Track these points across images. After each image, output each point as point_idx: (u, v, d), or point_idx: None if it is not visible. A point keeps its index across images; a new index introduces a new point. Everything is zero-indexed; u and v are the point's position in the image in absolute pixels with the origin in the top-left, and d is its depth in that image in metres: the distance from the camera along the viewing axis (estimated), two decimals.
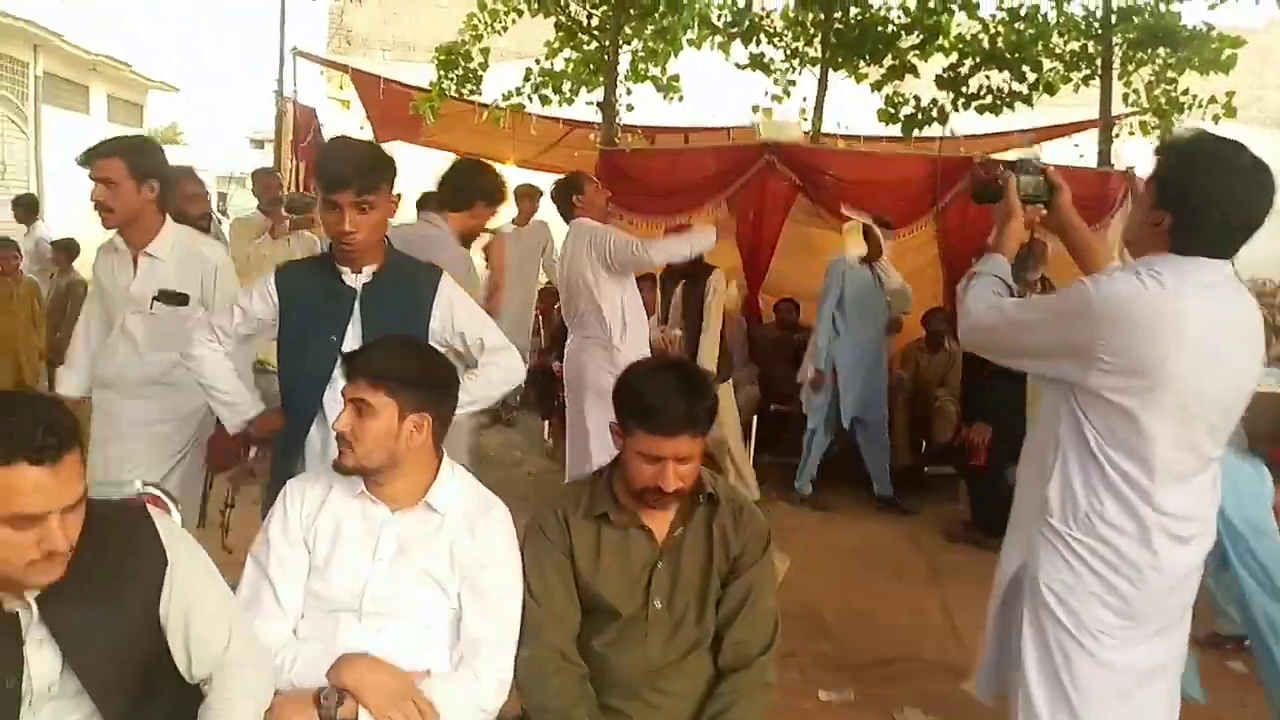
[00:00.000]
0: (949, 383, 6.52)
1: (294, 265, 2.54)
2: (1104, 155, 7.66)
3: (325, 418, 2.34)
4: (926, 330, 6.79)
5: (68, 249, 7.09)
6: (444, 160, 9.90)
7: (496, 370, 2.46)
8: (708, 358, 5.42)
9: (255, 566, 1.92)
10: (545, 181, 5.87)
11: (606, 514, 1.99)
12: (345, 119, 10.03)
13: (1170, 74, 7.70)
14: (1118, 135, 7.71)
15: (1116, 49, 7.47)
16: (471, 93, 7.31)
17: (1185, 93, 7.73)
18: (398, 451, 1.87)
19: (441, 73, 7.25)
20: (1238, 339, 1.88)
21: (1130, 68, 7.70)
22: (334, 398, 2.30)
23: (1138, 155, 8.17)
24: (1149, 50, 7.56)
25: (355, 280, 2.37)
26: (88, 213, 2.80)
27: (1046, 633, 1.94)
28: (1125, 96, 7.79)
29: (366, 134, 9.46)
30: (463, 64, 7.19)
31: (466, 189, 3.47)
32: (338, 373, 2.26)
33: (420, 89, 8.98)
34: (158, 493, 1.99)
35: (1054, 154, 8.52)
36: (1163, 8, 7.29)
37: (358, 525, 1.92)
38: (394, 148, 9.19)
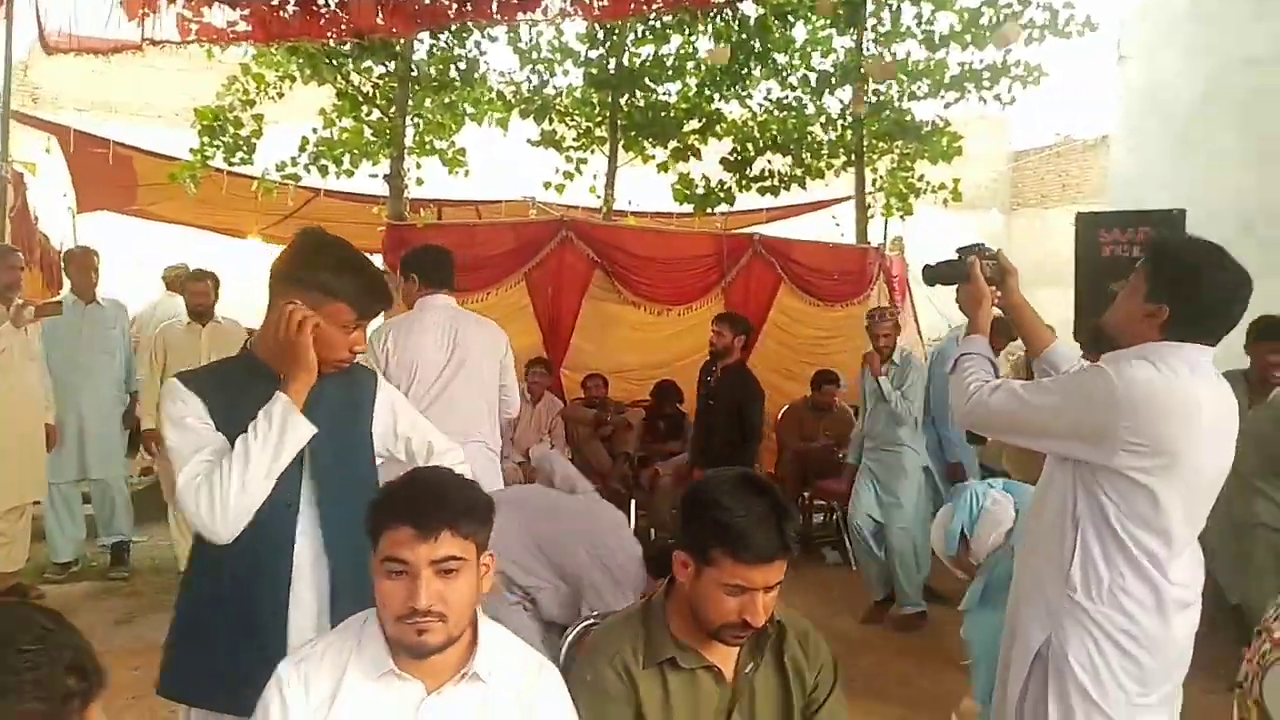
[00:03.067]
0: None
1: (207, 371, 1.99)
2: (861, 233, 8.36)
3: (296, 559, 1.86)
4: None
5: None
6: (160, 231, 8.93)
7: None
8: None
9: None
10: None
11: (674, 658, 1.71)
12: (39, 184, 8.74)
13: (907, 162, 8.61)
14: (871, 216, 8.45)
15: (866, 139, 8.24)
16: (243, 161, 6.57)
17: (920, 178, 8.67)
18: (474, 608, 1.50)
19: (205, 139, 6.45)
20: (1230, 420, 2.03)
21: (875, 156, 8.51)
22: (302, 529, 1.87)
23: (881, 233, 9.08)
24: (890, 141, 8.41)
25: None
26: None
27: (1073, 707, 1.98)
28: (874, 181, 8.59)
29: (66, 203, 8.31)
30: (232, 131, 6.45)
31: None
32: (304, 500, 1.85)
33: (151, 153, 8.01)
34: None
35: (818, 230, 9.16)
36: (902, 105, 8.14)
37: (388, 713, 1.50)
38: (101, 219, 8.20)
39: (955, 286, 2.36)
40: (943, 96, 7.85)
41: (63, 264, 5.58)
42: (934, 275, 2.44)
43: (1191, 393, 1.92)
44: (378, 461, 2.06)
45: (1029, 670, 2.07)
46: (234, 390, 1.88)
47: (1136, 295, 2.01)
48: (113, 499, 5.41)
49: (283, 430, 1.77)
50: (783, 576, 1.67)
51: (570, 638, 1.96)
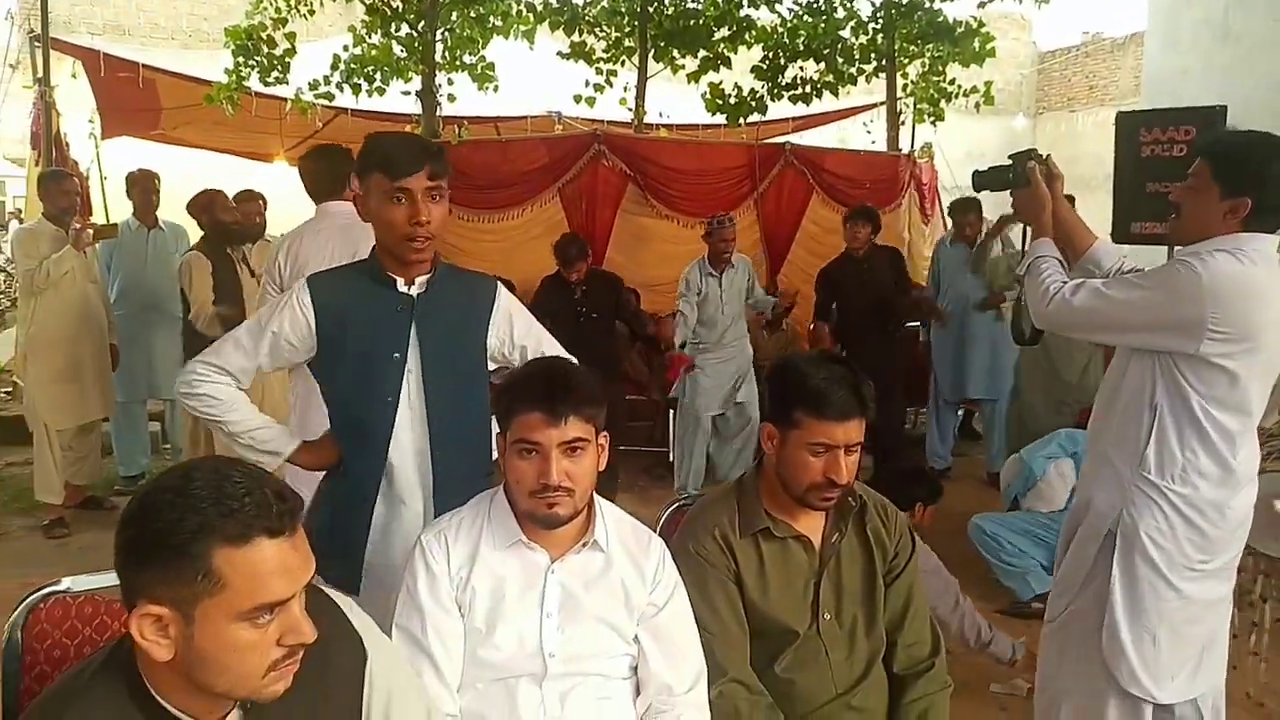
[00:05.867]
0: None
1: (330, 274, 2.13)
2: (892, 140, 8.31)
3: (401, 450, 2.02)
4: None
5: None
6: (182, 156, 8.92)
7: None
8: None
9: (408, 639, 1.61)
10: None
11: (768, 528, 1.86)
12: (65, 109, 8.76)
13: (939, 66, 8.49)
14: (903, 121, 8.39)
15: (897, 43, 8.12)
16: (278, 80, 6.58)
17: (952, 82, 8.56)
18: (594, 483, 1.65)
19: (240, 60, 6.46)
20: None
21: (905, 61, 8.40)
22: (404, 424, 2.02)
23: (909, 140, 9.02)
24: (922, 44, 8.28)
25: (410, 289, 2.04)
26: None
27: (1138, 572, 2.16)
28: (904, 86, 8.49)
29: (95, 127, 8.34)
30: (265, 50, 6.45)
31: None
32: (405, 397, 1.99)
33: (182, 76, 7.99)
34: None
35: (850, 138, 9.10)
36: (935, 5, 7.99)
37: (519, 578, 1.66)
38: (122, 144, 8.21)
39: (1009, 192, 2.44)
40: None
41: (127, 186, 5.67)
42: (983, 181, 2.51)
43: (1269, 279, 2.05)
44: (490, 368, 2.17)
45: (1098, 545, 2.22)
46: (352, 296, 2.03)
47: (1209, 193, 2.09)
48: (179, 417, 5.62)
49: (254, 452, 2.01)
50: (861, 438, 1.80)
51: (663, 518, 2.11)
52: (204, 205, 4.88)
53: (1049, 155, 2.45)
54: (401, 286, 2.03)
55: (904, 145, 8.59)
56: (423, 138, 2.04)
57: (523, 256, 6.68)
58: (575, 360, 2.26)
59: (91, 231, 4.90)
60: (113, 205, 6.70)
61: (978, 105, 8.50)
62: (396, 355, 2.00)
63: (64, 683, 1.15)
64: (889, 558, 1.94)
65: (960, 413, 6.54)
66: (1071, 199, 2.58)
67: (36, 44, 7.51)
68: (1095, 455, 2.30)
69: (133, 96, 7.89)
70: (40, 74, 6.08)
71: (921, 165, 8.56)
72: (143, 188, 5.62)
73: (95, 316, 5.00)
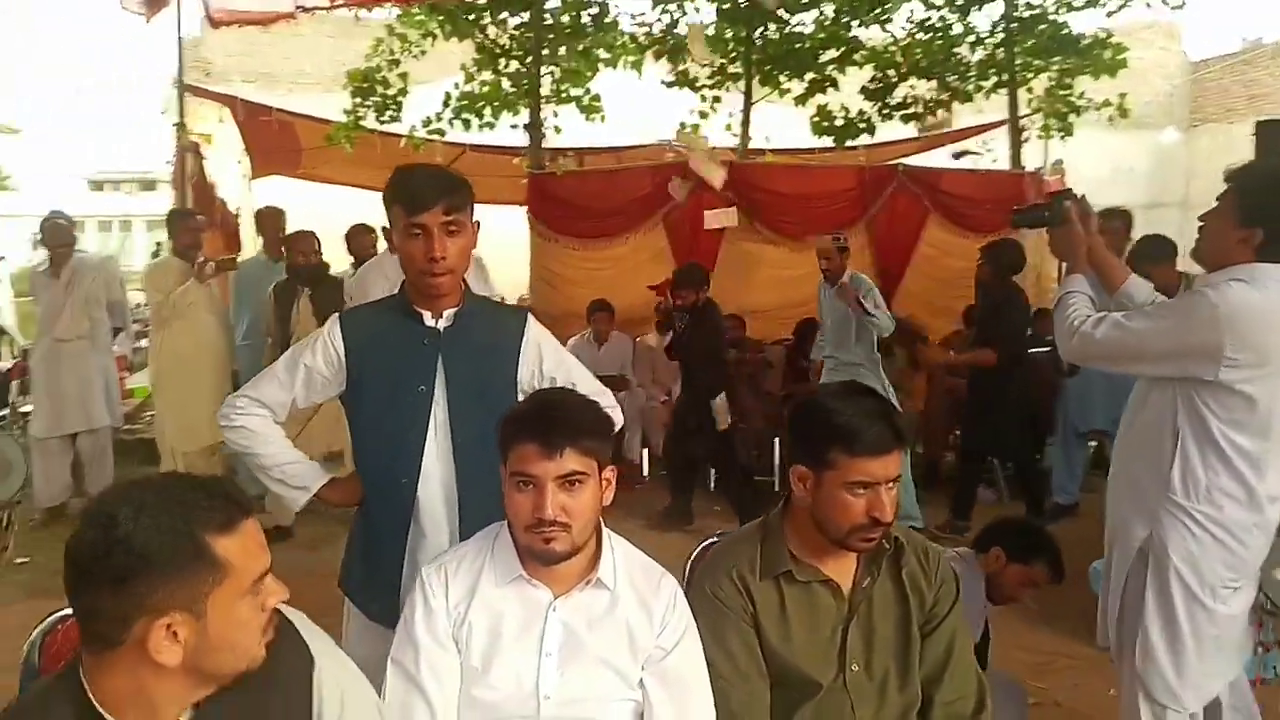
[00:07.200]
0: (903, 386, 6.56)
1: (359, 310, 2.18)
2: (1015, 158, 7.94)
3: (428, 482, 2.02)
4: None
5: None
6: (323, 193, 9.44)
7: None
8: None
9: (400, 675, 1.59)
10: None
11: (790, 571, 1.76)
12: (215, 153, 9.42)
13: (1066, 80, 8.07)
14: (1026, 139, 8.01)
15: (1018, 58, 7.77)
16: (391, 119, 6.89)
17: (1080, 96, 8.12)
18: (597, 519, 1.60)
19: (358, 100, 6.79)
20: None
21: (1029, 75, 8.02)
22: (432, 456, 2.02)
23: (1039, 157, 8.61)
24: (1045, 58, 7.90)
25: (436, 323, 2.05)
26: None
27: (1171, 593, 2.23)
28: (1029, 102, 8.11)
29: (240, 169, 8.92)
30: (380, 91, 6.76)
31: None
32: (431, 430, 2.00)
33: (313, 118, 8.47)
34: None
35: (967, 158, 8.76)
36: (1059, 18, 7.62)
37: (518, 615, 1.62)
38: (273, 183, 8.75)
39: (1045, 230, 2.55)
40: (1103, 4, 7.27)
41: (255, 223, 6.07)
42: (1023, 219, 2.66)
43: None
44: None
45: (1130, 565, 2.30)
46: (381, 330, 2.07)
47: (1229, 220, 2.19)
48: None
49: (283, 487, 2.09)
50: (900, 471, 1.69)
51: (692, 556, 2.03)
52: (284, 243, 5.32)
53: (1083, 195, 2.55)
54: (429, 320, 2.04)
55: (1034, 163, 8.20)
56: (445, 171, 2.04)
57: (627, 284, 6.73)
58: (610, 394, 2.24)
59: (214, 265, 5.23)
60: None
61: (1110, 119, 8.02)
62: (423, 388, 2.01)
63: (16, 704, 1.20)
64: (927, 606, 1.79)
65: (1092, 445, 6.13)
66: (1129, 216, 2.66)
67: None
68: (1124, 478, 2.38)
69: (275, 138, 8.41)
70: (178, 119, 6.52)
71: (1050, 183, 8.13)
72: (270, 223, 5.97)
73: (217, 344, 5.31)
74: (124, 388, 7.86)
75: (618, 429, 2.22)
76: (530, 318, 2.19)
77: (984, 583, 2.57)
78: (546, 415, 1.59)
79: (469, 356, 2.05)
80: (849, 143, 7.76)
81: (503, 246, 7.95)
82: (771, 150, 7.89)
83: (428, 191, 1.93)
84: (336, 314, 2.11)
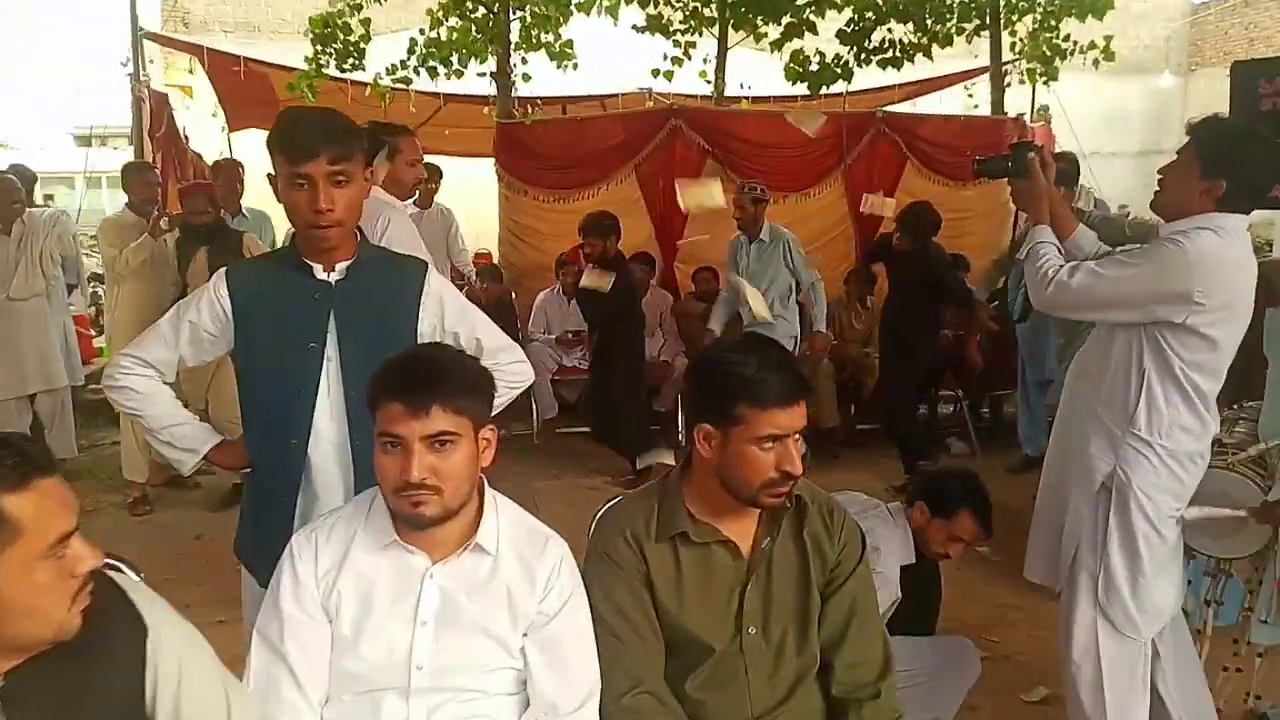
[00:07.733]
0: (871, 341, 6.48)
1: (247, 264, 2.09)
2: (997, 104, 7.75)
3: (320, 442, 1.95)
4: (850, 289, 6.70)
5: None
6: None
7: (500, 374, 2.09)
8: None
9: (265, 647, 1.53)
10: None
11: (685, 532, 1.68)
12: (191, 106, 9.19)
13: (1051, 21, 7.83)
14: (1009, 84, 7.81)
15: None
16: (354, 67, 6.69)
17: (1066, 39, 7.89)
18: (473, 482, 1.53)
19: (319, 47, 6.60)
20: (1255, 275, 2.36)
21: (1014, 17, 7.79)
22: (323, 415, 1.94)
23: (1024, 103, 8.40)
24: None
25: (328, 276, 1.96)
26: None
27: (1133, 523, 2.35)
28: (1012, 45, 7.89)
29: (219, 121, 8.72)
30: (341, 37, 6.56)
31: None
32: (324, 388, 1.92)
33: (284, 67, 8.24)
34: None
35: (948, 104, 8.58)
36: None
37: (390, 582, 1.55)
38: (256, 136, 8.55)
39: (1007, 181, 2.58)
40: None
41: (211, 175, 5.90)
42: (984, 169, 2.66)
43: (1245, 255, 2.29)
44: None
45: (1092, 501, 2.40)
46: (269, 285, 1.98)
47: (1191, 172, 2.26)
48: None
49: (171, 449, 2.04)
50: (805, 422, 1.62)
51: (597, 516, 1.96)
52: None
53: (1042, 146, 2.62)
54: (320, 274, 1.95)
55: (1020, 108, 8.00)
56: (333, 116, 1.92)
57: None
58: (519, 349, 2.15)
59: (168, 219, 5.10)
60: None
61: (1095, 62, 7.80)
62: (314, 345, 1.93)
63: None
64: (829, 566, 1.72)
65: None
66: (1075, 160, 2.61)
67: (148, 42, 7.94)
68: (1081, 416, 2.47)
69: (248, 89, 8.15)
70: (134, 69, 6.34)
71: (1034, 129, 7.96)
72: (226, 176, 5.81)
73: (171, 300, 5.20)
74: (92, 346, 7.79)
75: (524, 386, 2.15)
76: (431, 269, 2.10)
77: (912, 538, 2.51)
78: (412, 372, 1.51)
79: (364, 311, 1.96)
80: (827, 91, 7.55)
81: (481, 199, 7.81)
82: (747, 98, 7.70)
83: (312, 139, 1.82)
84: (223, 268, 2.01)
